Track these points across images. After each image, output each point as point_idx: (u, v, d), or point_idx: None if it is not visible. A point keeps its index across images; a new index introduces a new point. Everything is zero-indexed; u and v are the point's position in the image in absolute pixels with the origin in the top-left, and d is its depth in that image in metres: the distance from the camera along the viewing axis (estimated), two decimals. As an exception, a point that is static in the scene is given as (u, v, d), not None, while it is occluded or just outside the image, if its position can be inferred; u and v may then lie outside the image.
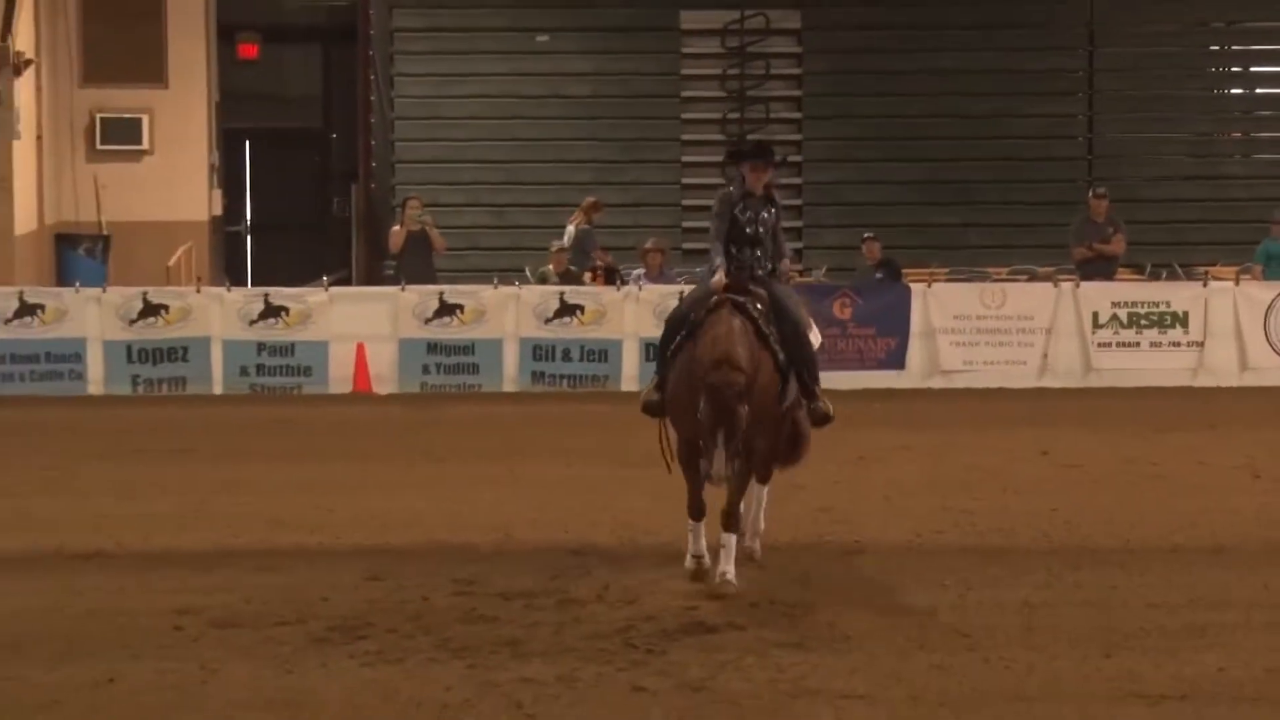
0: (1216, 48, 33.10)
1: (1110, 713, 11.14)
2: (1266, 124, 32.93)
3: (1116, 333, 26.85)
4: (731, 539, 14.05)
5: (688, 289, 27.12)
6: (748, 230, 14.52)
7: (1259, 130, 33.01)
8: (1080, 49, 32.24)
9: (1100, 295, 27.04)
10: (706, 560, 14.23)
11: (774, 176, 14.89)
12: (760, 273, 14.57)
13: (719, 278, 14.28)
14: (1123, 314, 26.87)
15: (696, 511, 14.31)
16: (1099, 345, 26.86)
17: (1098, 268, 27.78)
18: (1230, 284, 27.29)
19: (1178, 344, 26.76)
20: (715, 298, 14.16)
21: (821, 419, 14.66)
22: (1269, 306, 26.35)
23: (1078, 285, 27.18)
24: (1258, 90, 33.27)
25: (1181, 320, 26.72)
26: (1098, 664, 12.23)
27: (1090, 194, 28.48)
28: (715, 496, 14.14)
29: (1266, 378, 25.96)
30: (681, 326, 14.38)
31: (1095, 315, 26.88)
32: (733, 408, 13.40)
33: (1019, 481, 19.18)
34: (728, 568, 13.93)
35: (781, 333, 14.29)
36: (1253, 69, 33.23)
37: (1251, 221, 28.84)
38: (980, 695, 11.58)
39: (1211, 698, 11.46)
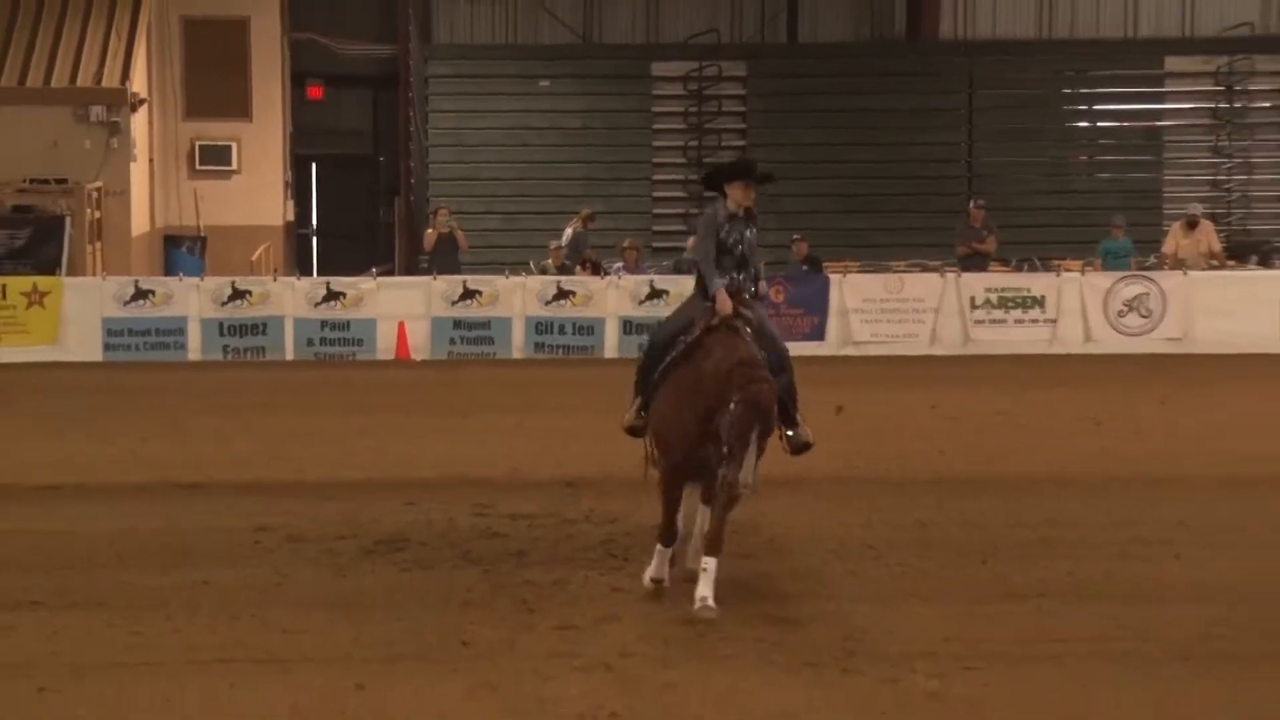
0: (1069, 91, 32.95)
1: (985, 609, 11.14)
2: (1106, 150, 32.88)
3: (989, 312, 26.82)
4: (713, 563, 10.98)
5: (659, 278, 27.95)
6: (734, 251, 11.49)
7: (1100, 155, 32.94)
8: (962, 92, 32.16)
9: (977, 283, 27.03)
10: (666, 583, 11.48)
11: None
12: (747, 295, 11.64)
13: (725, 301, 11.25)
14: (994, 297, 26.85)
15: (669, 537, 11.45)
16: (975, 322, 26.84)
17: (975, 262, 27.81)
18: (1077, 274, 27.27)
19: (1036, 321, 26.75)
20: (716, 319, 11.24)
21: (801, 447, 11.84)
22: (1107, 292, 26.34)
23: (959, 275, 27.18)
24: (1099, 124, 33.15)
25: (1039, 302, 26.69)
26: (975, 570, 12.25)
27: (970, 205, 28.51)
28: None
29: (1105, 347, 25.92)
30: (669, 349, 11.45)
31: (973, 298, 26.87)
32: (769, 408, 10.78)
33: (913, 429, 19.17)
34: (708, 592, 10.87)
35: (768, 358, 11.32)
36: (1096, 107, 33.11)
37: (1094, 225, 28.75)
38: (884, 594, 11.58)
39: (1063, 596, 11.51)
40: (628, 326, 26.44)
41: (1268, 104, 31.80)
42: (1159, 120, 32.13)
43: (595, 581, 11.92)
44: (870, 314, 27.24)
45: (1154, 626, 10.61)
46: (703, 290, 11.61)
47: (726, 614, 10.86)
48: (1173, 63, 32.03)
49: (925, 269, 28.32)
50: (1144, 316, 26.52)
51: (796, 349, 25.88)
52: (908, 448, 17.75)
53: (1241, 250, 28.97)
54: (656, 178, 32.30)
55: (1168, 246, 28.08)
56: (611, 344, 26.73)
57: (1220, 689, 9.44)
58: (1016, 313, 27.03)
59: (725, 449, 10.60)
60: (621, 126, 32.23)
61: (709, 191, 11.98)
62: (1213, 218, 29.36)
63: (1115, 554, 12.73)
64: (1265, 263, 28.91)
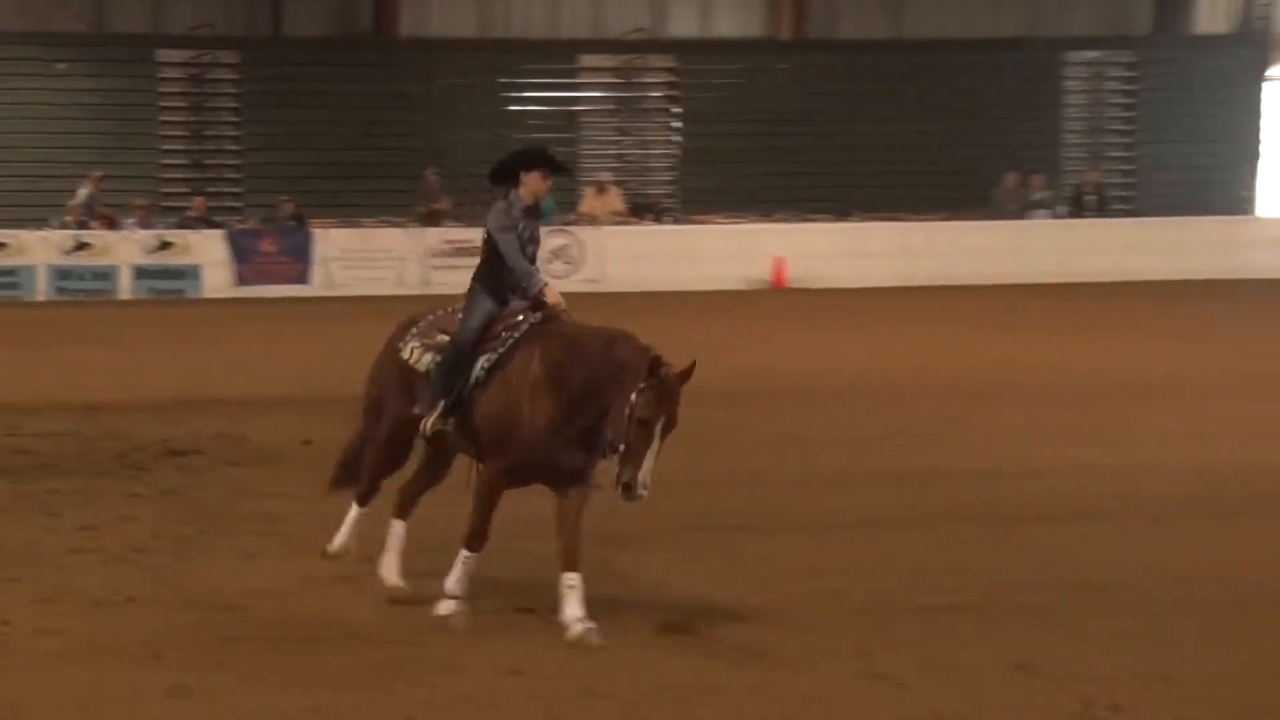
0: (505, 80, 33.12)
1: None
2: (533, 129, 33.13)
3: (445, 260, 27.04)
4: (578, 577, 8.00)
5: (166, 233, 27.23)
6: (526, 250, 8.63)
7: (530, 134, 33.26)
8: (420, 80, 31.99)
9: (434, 235, 27.44)
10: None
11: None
12: None
13: (555, 293, 8.51)
14: (450, 247, 27.12)
15: (484, 540, 8.27)
16: (435, 268, 27.00)
17: (432, 218, 28.13)
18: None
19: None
20: (542, 314, 8.44)
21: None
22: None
23: (420, 229, 27.44)
24: (529, 108, 33.35)
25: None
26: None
27: (427, 173, 28.65)
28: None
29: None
30: (478, 347, 8.41)
31: (431, 248, 27.24)
32: (678, 398, 7.86)
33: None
34: (581, 611, 7.93)
35: None
36: (525, 94, 33.32)
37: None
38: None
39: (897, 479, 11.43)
40: (140, 272, 26.07)
41: (658, 94, 32.75)
42: (575, 106, 32.67)
43: (114, 489, 11.36)
44: (348, 262, 27.10)
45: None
46: (492, 288, 8.59)
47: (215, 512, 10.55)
48: (586, 59, 32.63)
49: (392, 225, 28.20)
50: (567, 263, 27.04)
51: (287, 292, 26.10)
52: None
53: (640, 210, 29.92)
54: (164, 148, 31.15)
55: (584, 207, 28.82)
56: (125, 287, 25.96)
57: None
58: (467, 259, 26.93)
59: (620, 446, 7.76)
60: (131, 104, 30.84)
61: (497, 183, 8.69)
62: (619, 184, 30.17)
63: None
64: (660, 219, 29.94)
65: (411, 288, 26.58)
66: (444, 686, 7.22)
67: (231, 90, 31.61)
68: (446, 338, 8.60)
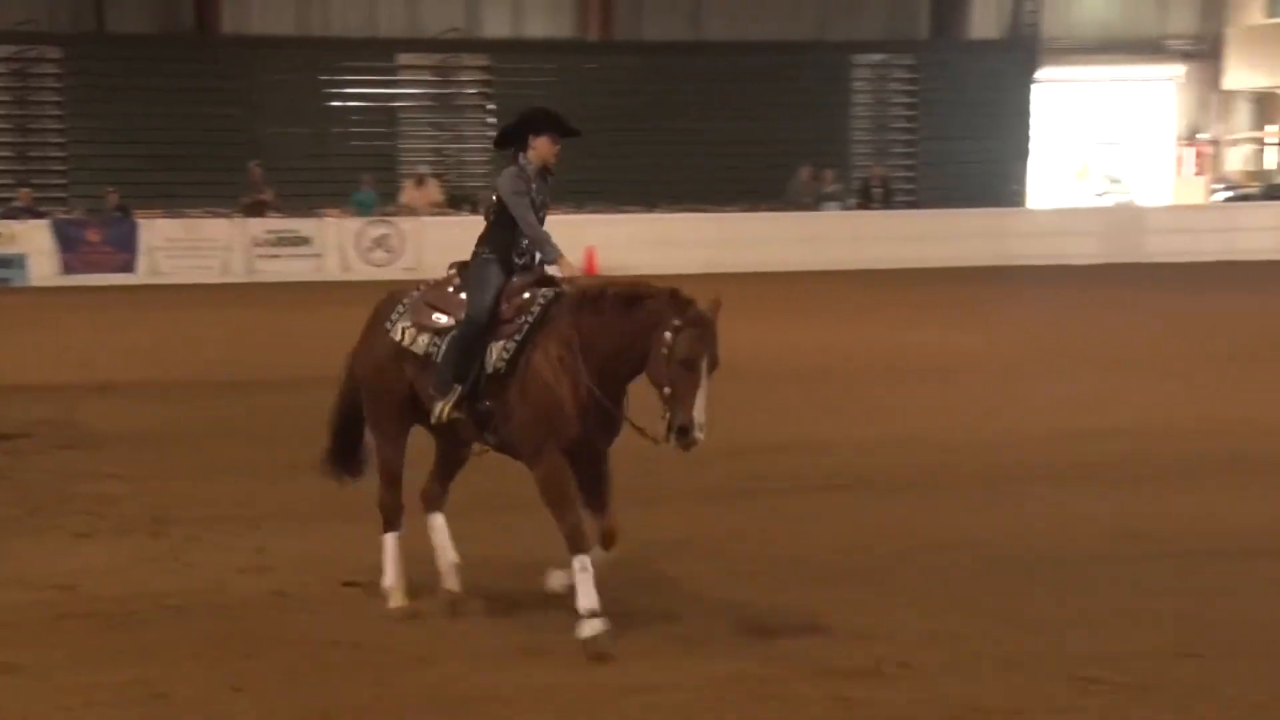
0: (326, 77, 32.62)
1: (274, 482, 10.89)
2: (356, 124, 32.69)
3: (268, 249, 26.71)
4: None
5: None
6: (540, 215, 7.74)
7: (352, 128, 32.81)
8: (242, 76, 31.33)
9: (258, 225, 26.89)
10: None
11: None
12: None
13: (570, 263, 7.62)
14: (272, 237, 26.77)
15: (585, 540, 7.20)
16: (258, 256, 26.59)
17: (255, 209, 27.57)
18: (336, 219, 27.32)
19: (305, 255, 26.74)
20: (553, 291, 7.52)
21: None
22: (358, 233, 26.69)
23: (244, 219, 26.89)
24: (350, 104, 32.93)
25: (307, 240, 26.79)
26: (263, 448, 11.94)
27: (251, 165, 28.12)
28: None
29: (359, 276, 25.92)
30: (494, 334, 7.45)
31: (255, 238, 26.68)
32: (715, 329, 7.14)
33: (214, 340, 18.66)
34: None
35: None
36: (347, 90, 32.90)
37: (347, 181, 28.71)
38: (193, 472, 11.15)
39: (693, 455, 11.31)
40: None
41: (474, 91, 32.53)
42: (394, 102, 32.31)
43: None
44: (173, 251, 26.51)
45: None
46: (501, 255, 7.66)
47: None
48: (403, 58, 32.30)
49: (217, 215, 27.62)
50: (389, 252, 26.78)
51: (113, 280, 25.54)
52: (213, 355, 17.28)
53: (458, 201, 29.72)
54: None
55: (404, 198, 28.57)
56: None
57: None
58: (290, 249, 26.83)
59: (665, 389, 6.97)
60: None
61: (503, 148, 7.93)
62: (437, 177, 29.96)
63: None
64: (476, 210, 29.77)
65: (236, 276, 26.19)
66: (272, 658, 7.10)
67: (55, 85, 30.75)
68: (444, 317, 7.61)
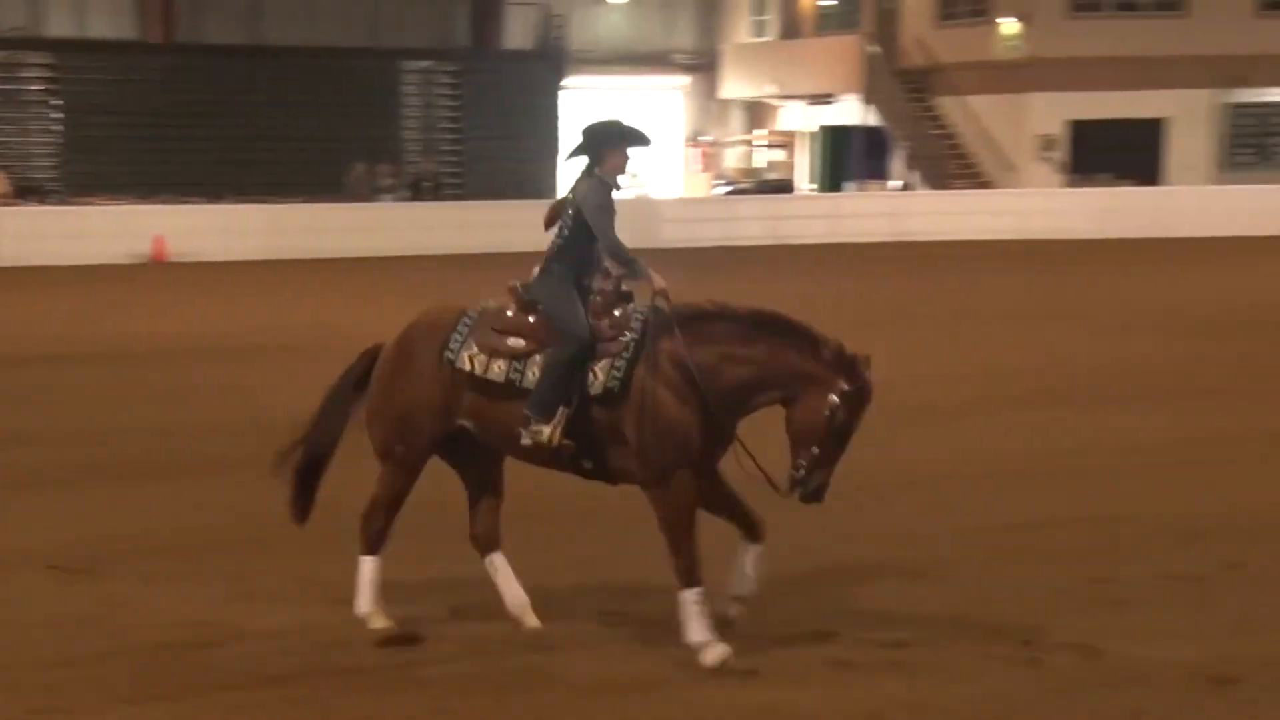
0: None
1: None
2: None
3: None
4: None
5: None
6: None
7: None
8: None
9: None
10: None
11: None
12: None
13: (660, 278, 6.46)
14: None
15: (698, 575, 6.27)
16: None
17: None
18: None
19: None
20: (654, 308, 6.47)
21: None
22: None
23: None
24: None
25: None
26: None
27: None
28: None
29: None
30: (589, 352, 6.39)
31: None
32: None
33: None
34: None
35: None
36: None
37: None
38: None
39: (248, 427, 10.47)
40: None
41: (38, 87, 30.63)
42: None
43: None
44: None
45: None
46: (576, 268, 6.59)
47: None
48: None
49: None
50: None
51: None
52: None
53: (25, 192, 28.17)
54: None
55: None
56: None
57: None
58: None
59: (814, 449, 6.14)
60: None
61: (575, 156, 6.72)
62: (4, 169, 28.10)
63: None
64: (44, 200, 28.27)
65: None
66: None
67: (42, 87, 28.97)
68: (519, 341, 6.48)
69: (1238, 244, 26.72)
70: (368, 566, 6.66)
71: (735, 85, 40.03)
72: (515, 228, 29.07)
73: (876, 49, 35.03)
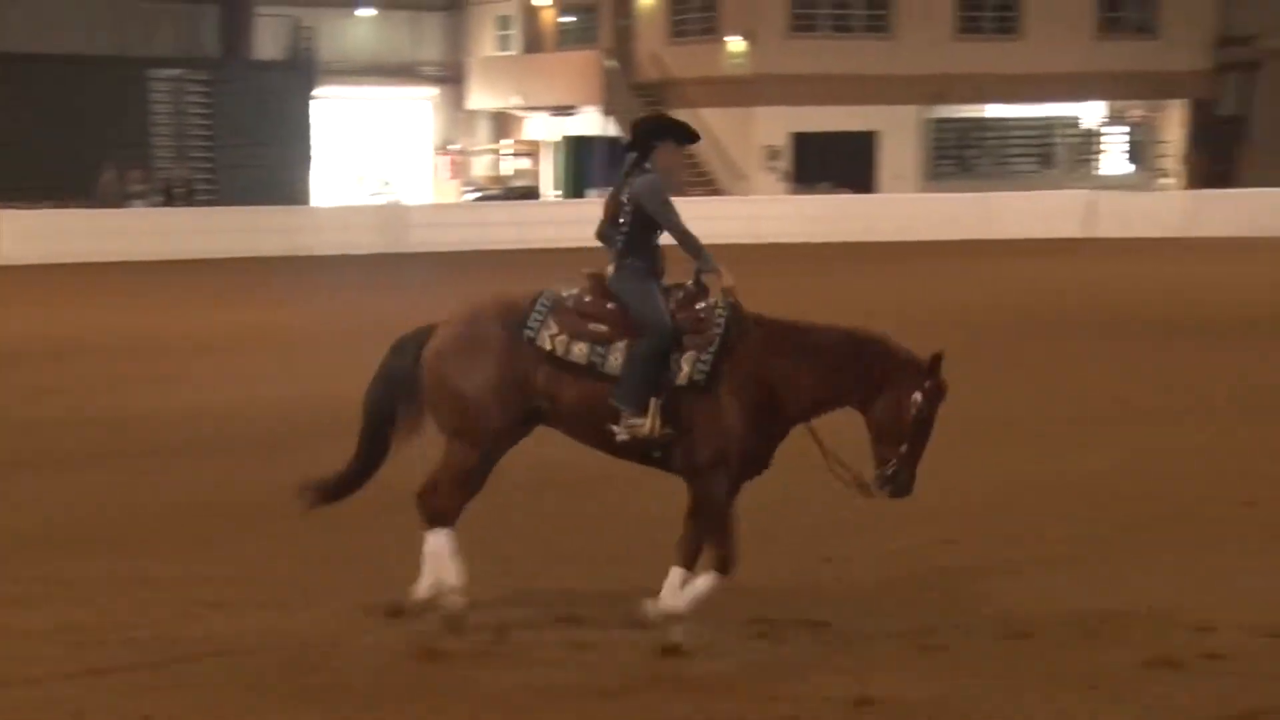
0: None
1: None
2: None
3: None
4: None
5: None
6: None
7: None
8: None
9: None
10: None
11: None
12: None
13: (730, 274, 6.27)
14: None
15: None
16: None
17: None
18: None
19: None
20: (730, 304, 6.30)
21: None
22: None
23: None
24: None
25: None
26: None
27: None
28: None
29: None
30: (674, 340, 6.22)
31: None
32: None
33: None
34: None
35: None
36: None
37: None
38: None
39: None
40: None
41: None
42: None
43: None
44: None
45: None
46: (649, 264, 6.36)
47: None
48: None
49: None
50: None
51: None
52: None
53: None
54: None
55: None
56: None
57: None
58: None
59: (902, 446, 6.14)
60: None
61: (632, 150, 6.43)
62: None
63: None
64: None
65: None
66: None
67: None
68: (602, 326, 6.23)
69: (943, 247, 27.92)
70: (432, 541, 6.23)
71: (482, 96, 39.87)
72: (269, 233, 28.52)
73: (614, 64, 35.40)
